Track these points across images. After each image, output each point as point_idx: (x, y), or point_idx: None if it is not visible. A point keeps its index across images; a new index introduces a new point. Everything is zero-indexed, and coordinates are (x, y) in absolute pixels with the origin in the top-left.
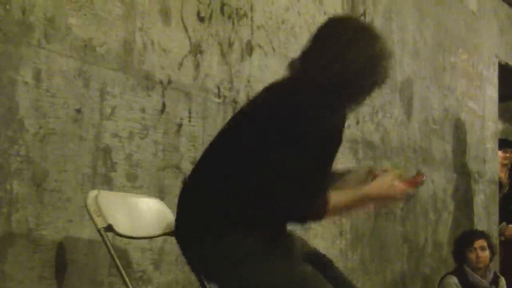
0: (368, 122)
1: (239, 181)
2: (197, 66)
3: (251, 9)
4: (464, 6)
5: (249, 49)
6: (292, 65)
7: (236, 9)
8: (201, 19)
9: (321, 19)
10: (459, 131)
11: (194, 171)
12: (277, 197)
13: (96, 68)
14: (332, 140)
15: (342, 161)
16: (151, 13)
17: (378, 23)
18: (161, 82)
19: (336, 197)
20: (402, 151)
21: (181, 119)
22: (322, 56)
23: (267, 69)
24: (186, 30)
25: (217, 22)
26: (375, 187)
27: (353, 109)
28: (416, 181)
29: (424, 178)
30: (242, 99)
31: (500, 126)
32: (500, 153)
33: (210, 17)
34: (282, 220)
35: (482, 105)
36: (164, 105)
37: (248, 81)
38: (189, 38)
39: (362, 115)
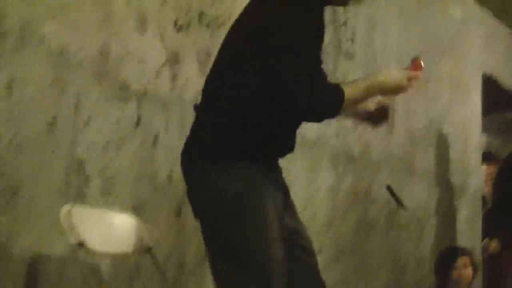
0: (349, 135)
1: (240, 100)
2: (174, 76)
3: (230, 17)
4: (449, 15)
5: None
6: None
7: (215, 17)
8: (178, 28)
9: None
10: (442, 144)
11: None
12: (286, 99)
13: (71, 77)
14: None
15: (322, 174)
16: (127, 21)
17: (361, 32)
18: (137, 93)
19: (347, 88)
20: (384, 163)
21: (157, 130)
22: None
23: None
24: (163, 39)
25: (195, 31)
26: (383, 76)
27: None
28: (416, 65)
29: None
30: None
31: (484, 139)
32: (484, 166)
33: (188, 26)
34: (297, 118)
35: (466, 117)
36: (140, 116)
37: None
38: (166, 47)
39: (344, 127)
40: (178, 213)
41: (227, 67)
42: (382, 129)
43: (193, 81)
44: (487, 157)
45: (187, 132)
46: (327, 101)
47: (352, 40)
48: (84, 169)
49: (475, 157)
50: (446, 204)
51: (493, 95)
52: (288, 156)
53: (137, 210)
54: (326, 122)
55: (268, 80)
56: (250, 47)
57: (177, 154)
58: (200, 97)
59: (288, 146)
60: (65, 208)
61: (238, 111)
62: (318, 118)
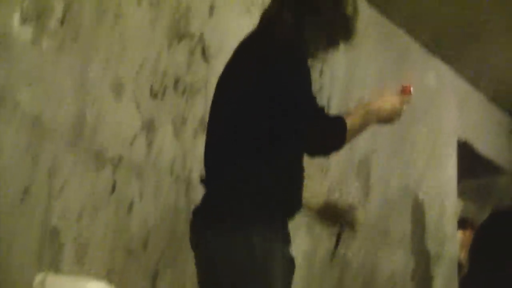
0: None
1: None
2: (149, 143)
3: (206, 84)
4: (424, 82)
5: (203, 126)
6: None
7: (191, 84)
8: (154, 95)
9: None
10: (418, 209)
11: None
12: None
13: (45, 144)
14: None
15: (298, 241)
16: (103, 88)
17: (336, 97)
18: (112, 159)
19: (349, 121)
20: (359, 230)
21: (132, 198)
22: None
23: None
24: (138, 106)
25: (171, 98)
26: (378, 103)
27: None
28: (406, 89)
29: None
30: (195, 178)
31: (460, 204)
32: (459, 232)
33: (164, 93)
34: (308, 151)
35: (441, 184)
36: (115, 183)
37: (202, 159)
38: (142, 114)
39: (319, 193)
40: (154, 281)
41: (231, 128)
42: (357, 194)
43: (168, 148)
44: (462, 223)
45: (162, 199)
46: (332, 130)
47: (328, 107)
48: (58, 237)
49: (451, 223)
50: (422, 270)
51: (468, 161)
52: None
53: (112, 278)
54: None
55: (276, 124)
56: (254, 102)
57: (152, 221)
58: (204, 170)
59: (299, 202)
60: (39, 277)
61: (253, 165)
62: (326, 148)
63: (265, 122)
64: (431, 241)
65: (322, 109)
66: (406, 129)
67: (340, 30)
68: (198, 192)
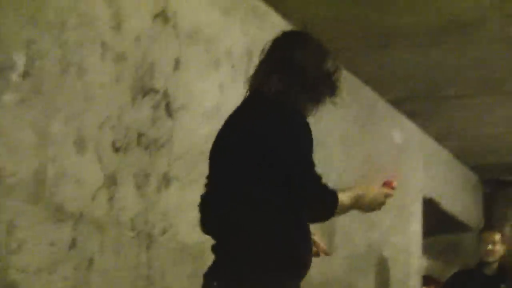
0: None
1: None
2: (111, 198)
3: (169, 139)
4: (390, 140)
5: (166, 181)
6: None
7: (154, 139)
8: (116, 150)
9: None
10: (382, 267)
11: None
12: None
13: (5, 200)
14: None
15: None
16: (65, 142)
17: None
18: (72, 215)
19: (340, 198)
20: (324, 287)
21: (93, 253)
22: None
23: (185, 201)
24: (101, 160)
25: (133, 153)
26: (365, 190)
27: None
28: (390, 184)
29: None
30: (157, 233)
31: (425, 262)
32: None
33: (126, 148)
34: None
35: (406, 241)
36: (75, 239)
37: (165, 215)
38: (104, 169)
39: None
40: None
41: (239, 193)
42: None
43: (130, 203)
44: (427, 280)
45: (123, 255)
46: (325, 204)
47: None
48: None
49: (415, 280)
50: None
51: (434, 218)
52: None
53: None
54: None
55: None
56: (262, 168)
57: (112, 277)
58: (213, 238)
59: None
60: None
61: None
62: (314, 218)
63: (271, 187)
64: None
65: (321, 178)
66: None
67: (325, 87)
68: (160, 247)
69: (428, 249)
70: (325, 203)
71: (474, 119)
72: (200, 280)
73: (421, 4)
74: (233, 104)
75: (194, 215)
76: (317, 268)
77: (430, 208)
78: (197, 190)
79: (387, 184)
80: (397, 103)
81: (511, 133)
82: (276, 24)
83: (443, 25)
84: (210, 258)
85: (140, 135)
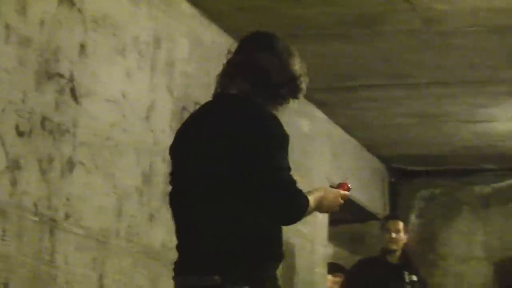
0: None
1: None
2: (14, 182)
3: (74, 124)
4: (297, 128)
5: (70, 166)
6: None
7: (58, 124)
8: (20, 134)
9: (148, 137)
10: (289, 255)
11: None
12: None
13: None
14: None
15: (163, 286)
16: None
17: None
18: None
19: (310, 202)
20: None
21: None
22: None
23: (89, 187)
24: (3, 144)
25: (37, 137)
26: (323, 193)
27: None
28: (345, 186)
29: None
30: (61, 218)
31: (331, 250)
32: (329, 277)
33: (30, 132)
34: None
35: (313, 229)
36: None
37: (68, 200)
38: (7, 153)
39: None
40: None
41: (212, 193)
42: None
43: (33, 187)
44: (333, 268)
45: (25, 240)
46: (300, 207)
47: None
48: None
49: (321, 268)
50: None
51: (340, 207)
52: (129, 266)
53: None
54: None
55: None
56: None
57: (14, 262)
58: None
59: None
60: None
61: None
62: (287, 221)
63: (246, 187)
64: (301, 285)
65: (294, 182)
66: None
67: (288, 91)
68: (63, 232)
69: (334, 237)
70: (297, 208)
71: (381, 110)
72: (101, 266)
73: None
74: (139, 91)
75: (99, 200)
76: None
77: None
78: (101, 176)
79: (342, 186)
80: (305, 93)
81: (417, 124)
82: (184, 12)
83: (352, 17)
84: (114, 243)
85: (44, 120)
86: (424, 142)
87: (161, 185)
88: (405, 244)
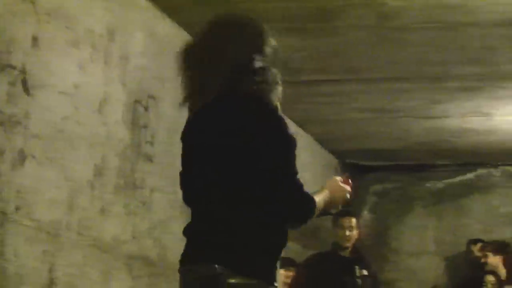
0: (145, 238)
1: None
2: None
3: (26, 116)
4: None
5: (21, 158)
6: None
7: (10, 116)
8: None
9: (101, 130)
10: None
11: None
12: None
13: None
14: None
15: (117, 279)
16: None
17: (161, 136)
18: None
19: (317, 203)
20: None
21: None
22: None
23: (41, 179)
24: None
25: None
26: (332, 190)
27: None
28: (346, 181)
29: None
30: (11, 210)
31: None
32: (282, 271)
33: None
34: (283, 220)
35: None
36: None
37: (19, 192)
38: None
39: (140, 229)
40: None
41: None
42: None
43: None
44: (287, 262)
45: None
46: (307, 209)
47: (152, 143)
48: None
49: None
50: None
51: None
52: (81, 260)
53: None
54: (123, 224)
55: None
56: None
57: None
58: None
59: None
60: None
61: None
62: (295, 223)
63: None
64: None
65: (302, 185)
66: None
67: (275, 70)
68: (14, 225)
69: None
70: (305, 212)
71: (335, 105)
72: (52, 258)
73: None
74: (92, 83)
75: (50, 193)
76: (174, 249)
77: None
78: (53, 168)
79: (345, 181)
80: None
81: (371, 119)
82: (139, 5)
83: (307, 12)
84: (65, 236)
85: None
86: (378, 137)
87: (114, 178)
88: (356, 239)
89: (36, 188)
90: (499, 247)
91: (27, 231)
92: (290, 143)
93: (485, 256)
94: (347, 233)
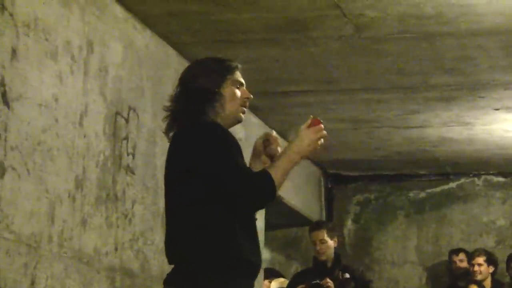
0: (127, 249)
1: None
2: None
3: (5, 129)
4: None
5: (1, 170)
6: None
7: None
8: None
9: (81, 142)
10: None
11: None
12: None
13: None
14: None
15: None
16: None
17: (142, 147)
18: None
19: (272, 170)
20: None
21: None
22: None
23: (20, 191)
24: None
25: None
26: (298, 142)
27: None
28: (316, 122)
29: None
30: None
31: (267, 255)
32: (265, 282)
33: None
34: (242, 208)
35: None
36: None
37: None
38: None
39: (121, 241)
40: None
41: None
42: (162, 244)
43: None
44: (269, 273)
45: None
46: (261, 185)
47: (133, 155)
48: None
49: None
50: None
51: (276, 211)
52: (62, 272)
53: None
54: (104, 235)
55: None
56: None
57: None
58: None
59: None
60: None
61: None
62: (259, 203)
63: (201, 193)
64: None
65: (248, 168)
66: None
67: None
68: None
69: (270, 242)
70: (261, 185)
71: (314, 115)
72: (33, 271)
73: (260, 1)
74: (71, 95)
75: (30, 205)
76: (156, 260)
77: (274, 201)
78: (32, 181)
79: (313, 124)
80: None
81: (349, 130)
82: (117, 16)
83: (282, 23)
84: (45, 248)
85: None
86: (357, 148)
87: (94, 190)
88: (336, 247)
89: (16, 201)
90: (492, 259)
91: (7, 244)
92: (219, 146)
93: (478, 265)
94: (319, 247)
